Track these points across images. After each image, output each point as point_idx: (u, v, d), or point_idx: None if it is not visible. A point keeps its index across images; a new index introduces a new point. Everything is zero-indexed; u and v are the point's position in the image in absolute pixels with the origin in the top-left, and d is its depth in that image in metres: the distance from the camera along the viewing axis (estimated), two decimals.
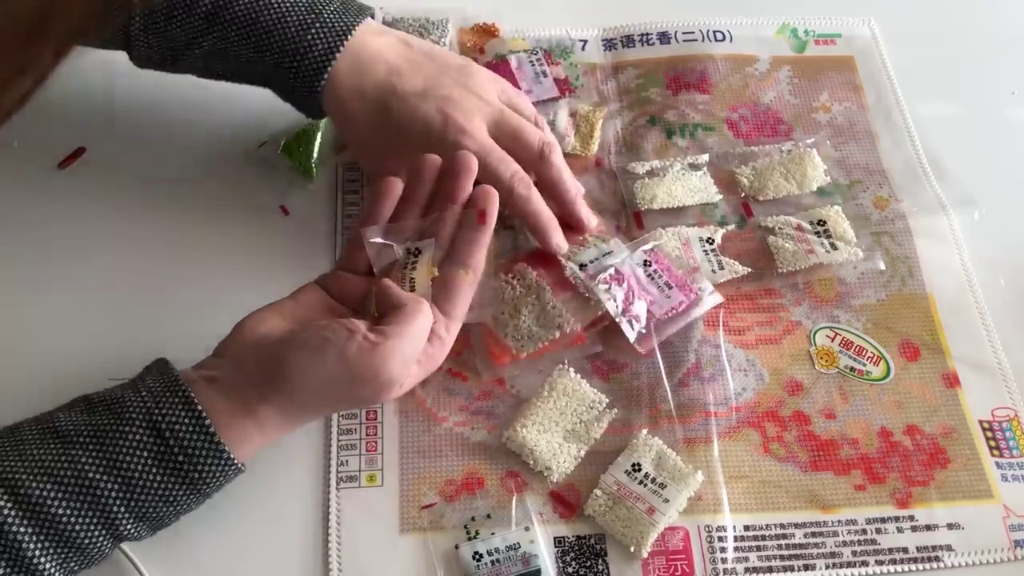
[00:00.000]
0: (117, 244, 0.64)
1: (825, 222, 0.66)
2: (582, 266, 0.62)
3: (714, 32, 0.78)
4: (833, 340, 0.63)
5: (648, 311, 0.60)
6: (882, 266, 0.65)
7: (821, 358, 0.62)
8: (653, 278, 0.61)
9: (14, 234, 0.64)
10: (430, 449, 0.57)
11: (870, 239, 0.66)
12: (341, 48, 0.56)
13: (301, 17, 0.57)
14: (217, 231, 0.65)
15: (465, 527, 0.54)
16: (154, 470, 0.45)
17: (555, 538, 0.55)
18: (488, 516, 0.55)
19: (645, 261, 0.62)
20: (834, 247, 0.65)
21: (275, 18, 0.56)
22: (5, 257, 0.63)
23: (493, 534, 0.54)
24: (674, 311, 0.61)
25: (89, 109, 0.70)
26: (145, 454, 0.45)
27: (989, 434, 0.60)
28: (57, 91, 0.70)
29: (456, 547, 0.54)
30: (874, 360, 0.62)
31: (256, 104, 0.70)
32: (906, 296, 0.65)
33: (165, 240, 0.64)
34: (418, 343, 0.49)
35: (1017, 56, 0.79)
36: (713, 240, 0.65)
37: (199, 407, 0.45)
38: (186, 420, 0.45)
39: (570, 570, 0.54)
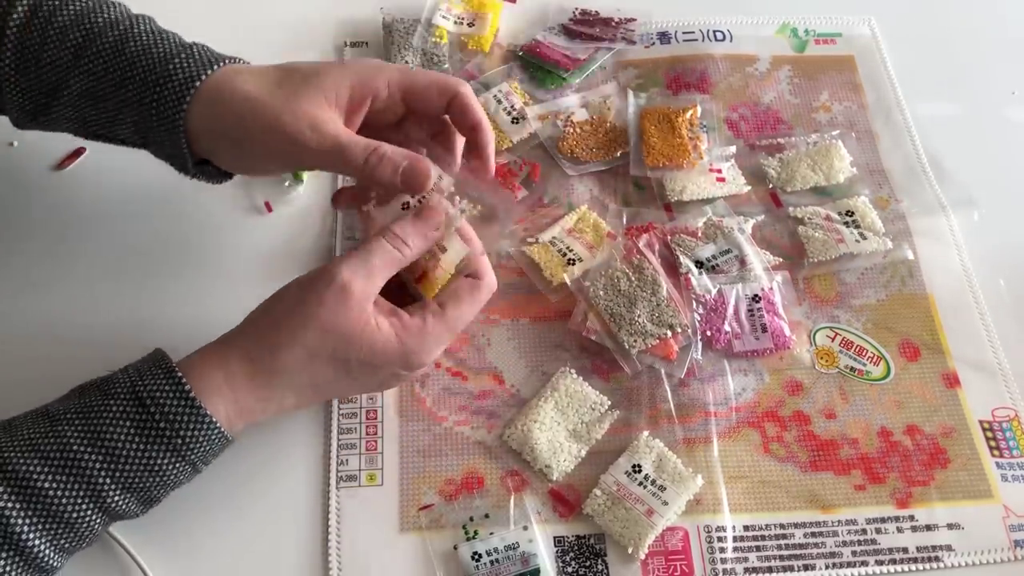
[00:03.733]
0: (116, 243, 0.64)
1: (853, 212, 0.67)
2: (698, 263, 0.62)
3: (714, 32, 0.78)
4: (833, 340, 0.63)
5: (720, 342, 0.61)
6: (911, 255, 0.66)
7: (821, 358, 0.62)
8: (753, 314, 0.61)
9: (13, 233, 0.64)
10: (430, 448, 0.57)
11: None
12: (205, 75, 0.52)
13: (167, 47, 0.53)
14: (216, 229, 0.65)
15: (464, 527, 0.54)
16: (136, 439, 0.45)
17: (554, 538, 0.55)
18: (486, 516, 0.55)
19: (755, 296, 0.62)
20: (863, 237, 0.65)
21: (141, 48, 0.53)
22: (5, 256, 0.63)
23: (492, 534, 0.54)
24: (753, 353, 0.61)
25: None
26: (127, 423, 0.45)
27: (989, 434, 0.59)
28: None
29: (455, 547, 0.53)
30: (874, 360, 0.62)
31: None
32: (906, 296, 0.65)
33: (165, 238, 0.65)
34: (375, 259, 0.48)
35: (1017, 56, 0.79)
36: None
37: (179, 374, 0.46)
38: (166, 387, 0.46)
39: (569, 570, 0.54)
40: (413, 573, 0.53)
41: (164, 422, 0.45)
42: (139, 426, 0.45)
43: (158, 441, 0.45)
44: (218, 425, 0.47)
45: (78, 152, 0.68)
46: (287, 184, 0.67)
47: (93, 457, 0.44)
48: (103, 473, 0.45)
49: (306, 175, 0.67)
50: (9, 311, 0.61)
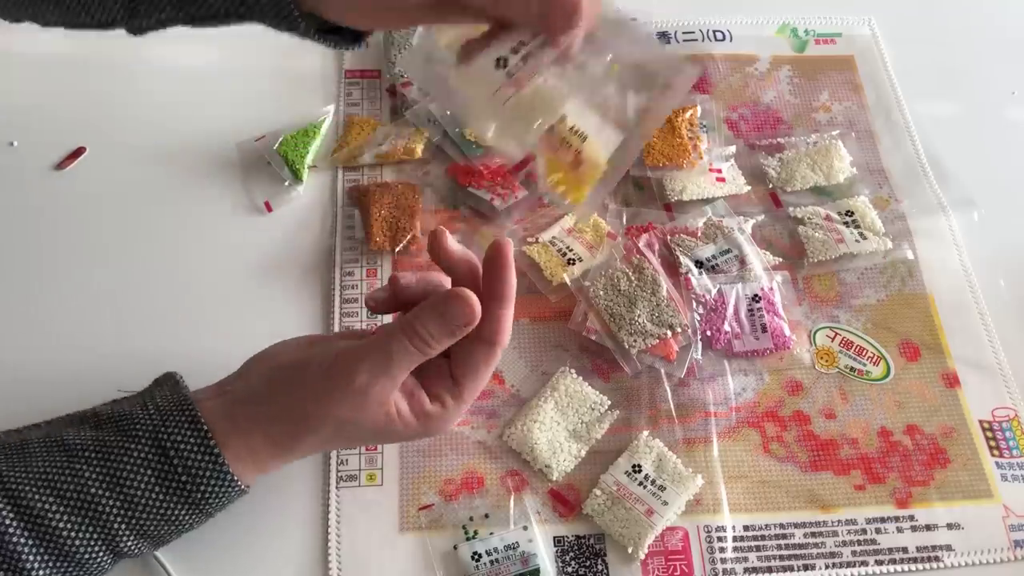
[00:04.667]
0: (116, 244, 0.64)
1: (853, 212, 0.67)
2: (698, 263, 0.62)
3: (714, 32, 0.78)
4: (833, 340, 0.63)
5: (720, 341, 0.61)
6: (911, 255, 0.66)
7: (821, 358, 0.62)
8: (753, 314, 0.61)
9: (13, 234, 0.64)
10: (429, 448, 0.57)
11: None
12: None
13: None
14: (216, 229, 0.65)
15: (463, 527, 0.54)
16: (156, 489, 0.44)
17: (554, 538, 0.55)
18: (486, 516, 0.55)
19: (755, 296, 0.62)
20: (863, 237, 0.65)
21: None
22: (4, 256, 0.63)
23: (492, 534, 0.54)
24: (752, 353, 0.61)
25: (89, 109, 0.70)
26: (148, 472, 0.44)
27: (989, 434, 0.60)
28: (57, 91, 0.71)
29: (455, 547, 0.53)
30: (874, 360, 0.62)
31: (257, 105, 0.71)
32: (906, 296, 0.65)
33: (165, 238, 0.64)
34: (397, 361, 0.45)
35: (1017, 56, 0.79)
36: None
37: (205, 427, 0.45)
38: (192, 439, 0.45)
39: (569, 570, 0.54)
40: (413, 573, 0.53)
41: (186, 476, 0.45)
42: (160, 477, 0.44)
43: (178, 493, 0.45)
44: (238, 483, 0.46)
45: (78, 152, 0.68)
46: (287, 184, 0.67)
47: (111, 503, 0.44)
48: (119, 519, 0.44)
49: (306, 175, 0.67)
50: (8, 310, 0.61)
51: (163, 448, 0.44)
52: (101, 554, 0.44)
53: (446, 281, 0.50)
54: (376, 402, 0.46)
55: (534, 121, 0.36)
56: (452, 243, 0.48)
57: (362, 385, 0.45)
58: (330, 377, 0.46)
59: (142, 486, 0.44)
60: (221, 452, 0.45)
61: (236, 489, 0.46)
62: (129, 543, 0.45)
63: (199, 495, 0.45)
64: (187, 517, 0.46)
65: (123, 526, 0.44)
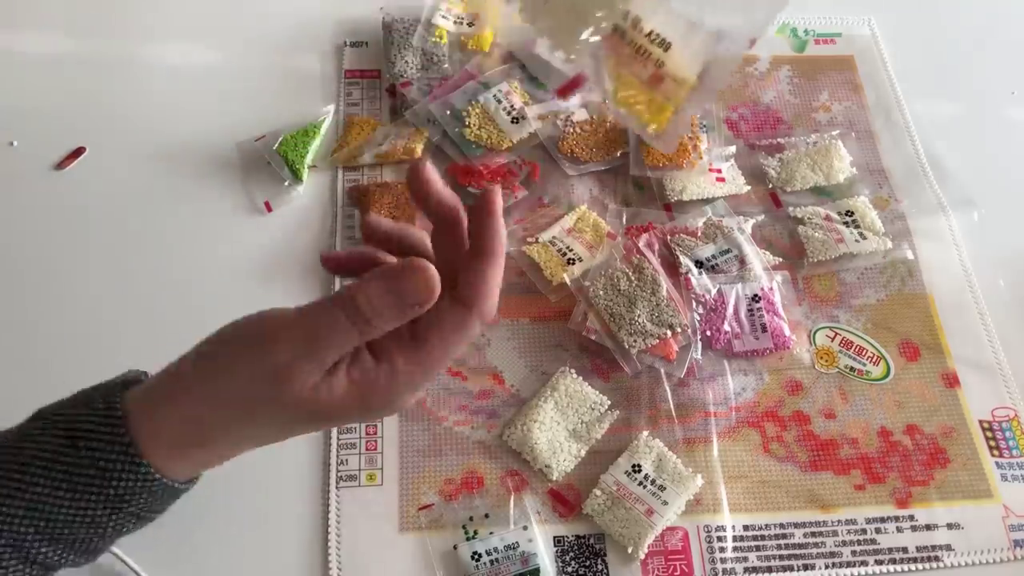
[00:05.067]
0: (116, 243, 0.64)
1: (853, 212, 0.67)
2: (698, 263, 0.62)
3: None
4: (833, 340, 0.63)
5: (719, 341, 0.61)
6: (911, 255, 0.66)
7: (821, 358, 0.62)
8: (753, 314, 0.61)
9: (13, 234, 0.64)
10: (429, 448, 0.57)
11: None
12: None
13: None
14: (216, 229, 0.65)
15: (463, 527, 0.54)
16: (65, 485, 0.37)
17: (554, 537, 0.55)
18: (486, 516, 0.55)
19: (755, 296, 0.62)
20: (863, 236, 0.65)
21: None
22: (4, 257, 0.63)
23: (491, 533, 0.54)
24: (752, 353, 0.61)
25: (89, 109, 0.70)
26: (58, 466, 0.37)
27: (989, 434, 0.60)
28: (57, 91, 0.71)
29: (455, 547, 0.53)
30: (874, 360, 0.62)
31: (257, 105, 0.71)
32: (906, 296, 0.65)
33: (164, 238, 0.64)
34: (325, 342, 0.36)
35: (1017, 56, 0.79)
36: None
37: (118, 411, 0.38)
38: (98, 425, 0.38)
39: (569, 569, 0.54)
40: (413, 573, 0.53)
41: (94, 468, 0.37)
42: (69, 470, 0.37)
43: (89, 489, 0.37)
44: (156, 475, 0.38)
45: (78, 152, 0.68)
46: (287, 184, 0.67)
47: (15, 503, 0.37)
48: (25, 522, 0.37)
49: (306, 175, 0.67)
50: (8, 310, 0.61)
51: (73, 437, 0.38)
52: (16, 564, 0.38)
53: (425, 241, 0.41)
54: (298, 385, 0.36)
55: (586, 19, 0.26)
56: (438, 181, 0.38)
57: (279, 365, 0.36)
58: (246, 343, 0.37)
59: (48, 483, 0.37)
60: (128, 432, 0.37)
61: (154, 480, 0.38)
62: (44, 550, 0.38)
63: (111, 490, 0.38)
64: (106, 518, 0.38)
65: (30, 530, 0.37)
